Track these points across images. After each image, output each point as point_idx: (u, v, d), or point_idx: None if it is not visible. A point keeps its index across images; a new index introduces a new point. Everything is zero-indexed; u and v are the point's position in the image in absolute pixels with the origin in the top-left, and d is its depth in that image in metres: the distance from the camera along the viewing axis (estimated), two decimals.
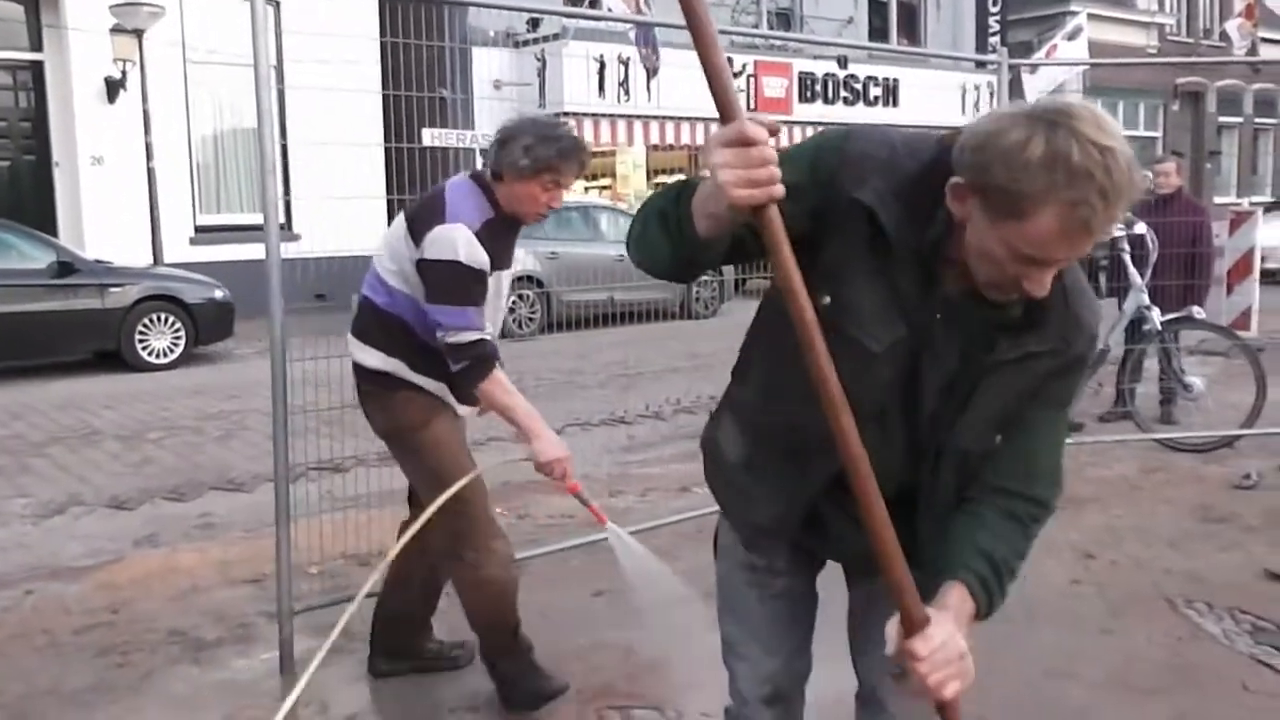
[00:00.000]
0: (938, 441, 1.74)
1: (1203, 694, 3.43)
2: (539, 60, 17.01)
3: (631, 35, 15.34)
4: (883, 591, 1.63)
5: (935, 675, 1.55)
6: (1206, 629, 3.93)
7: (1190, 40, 29.51)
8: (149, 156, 13.77)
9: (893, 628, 1.60)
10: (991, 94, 18.47)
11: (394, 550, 2.77)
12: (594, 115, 16.86)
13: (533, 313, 11.63)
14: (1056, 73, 17.76)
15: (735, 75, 18.73)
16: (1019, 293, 1.58)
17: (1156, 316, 6.61)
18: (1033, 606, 4.14)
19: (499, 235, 3.14)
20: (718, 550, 2.12)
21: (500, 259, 3.16)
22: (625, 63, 16.63)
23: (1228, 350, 6.97)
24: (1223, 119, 31.22)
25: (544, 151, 3.05)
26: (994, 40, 23.36)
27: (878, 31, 22.76)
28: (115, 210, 13.74)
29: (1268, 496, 5.53)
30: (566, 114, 16.77)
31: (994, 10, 24.13)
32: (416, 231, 3.08)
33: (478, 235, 3.04)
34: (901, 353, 1.68)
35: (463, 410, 3.31)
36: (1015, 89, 16.15)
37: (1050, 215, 1.44)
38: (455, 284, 3.02)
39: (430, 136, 4.03)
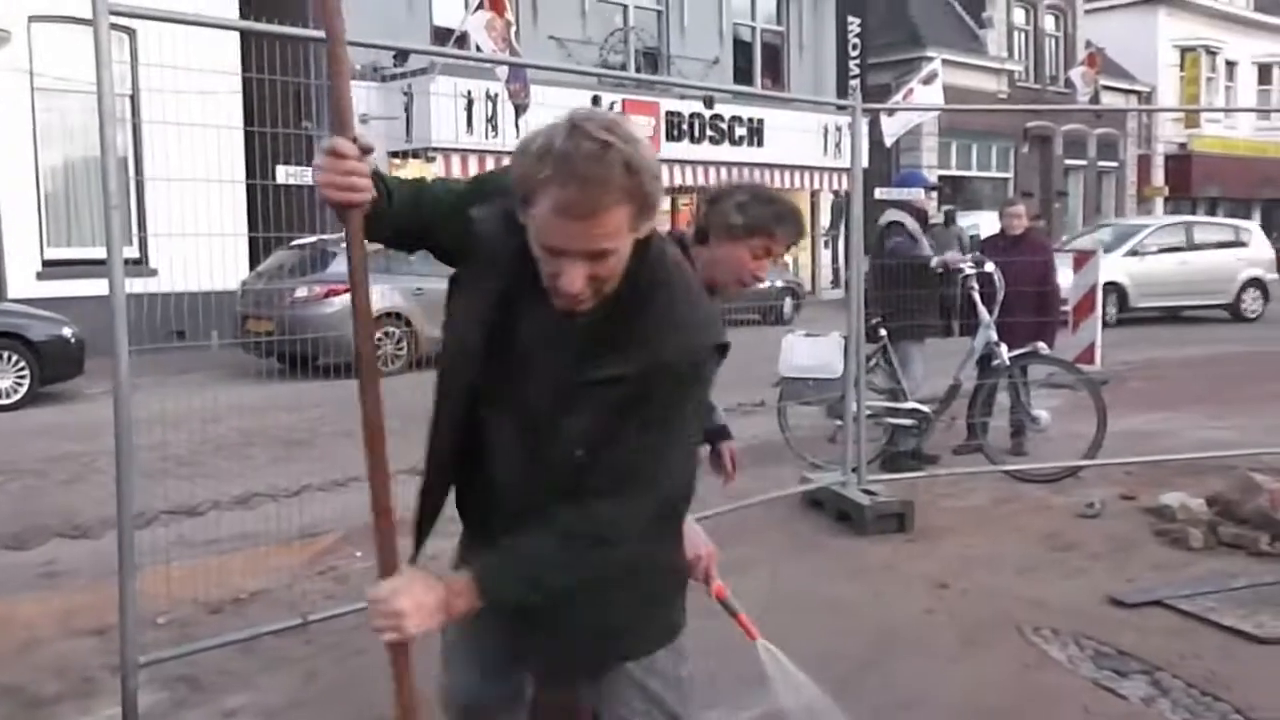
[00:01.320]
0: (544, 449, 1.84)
1: (1047, 719, 3.55)
2: (406, 95, 16.89)
3: (500, 72, 15.35)
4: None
5: (375, 621, 1.75)
6: (1052, 655, 4.07)
7: (1038, 86, 30.90)
8: None
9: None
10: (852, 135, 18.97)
11: None
12: (462, 151, 16.79)
13: (399, 349, 11.48)
14: (913, 115, 18.39)
15: None
16: (559, 294, 1.70)
17: (1005, 352, 6.87)
18: (888, 636, 4.25)
19: None
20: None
21: None
22: (494, 99, 16.60)
23: (1073, 384, 7.27)
24: (1069, 161, 32.75)
25: (760, 212, 2.82)
26: (854, 83, 24.02)
27: (742, 72, 23.25)
28: None
29: (1109, 524, 5.77)
30: (434, 149, 16.70)
31: (854, 55, 24.89)
32: None
33: None
34: (501, 357, 1.84)
35: None
36: (874, 129, 16.67)
37: (544, 200, 1.63)
38: None
39: (285, 174, 3.94)
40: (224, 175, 5.18)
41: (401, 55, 15.84)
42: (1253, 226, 21.50)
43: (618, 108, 19.05)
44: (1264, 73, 40.79)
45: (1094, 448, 6.61)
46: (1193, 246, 18.54)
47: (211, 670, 3.86)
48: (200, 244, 4.13)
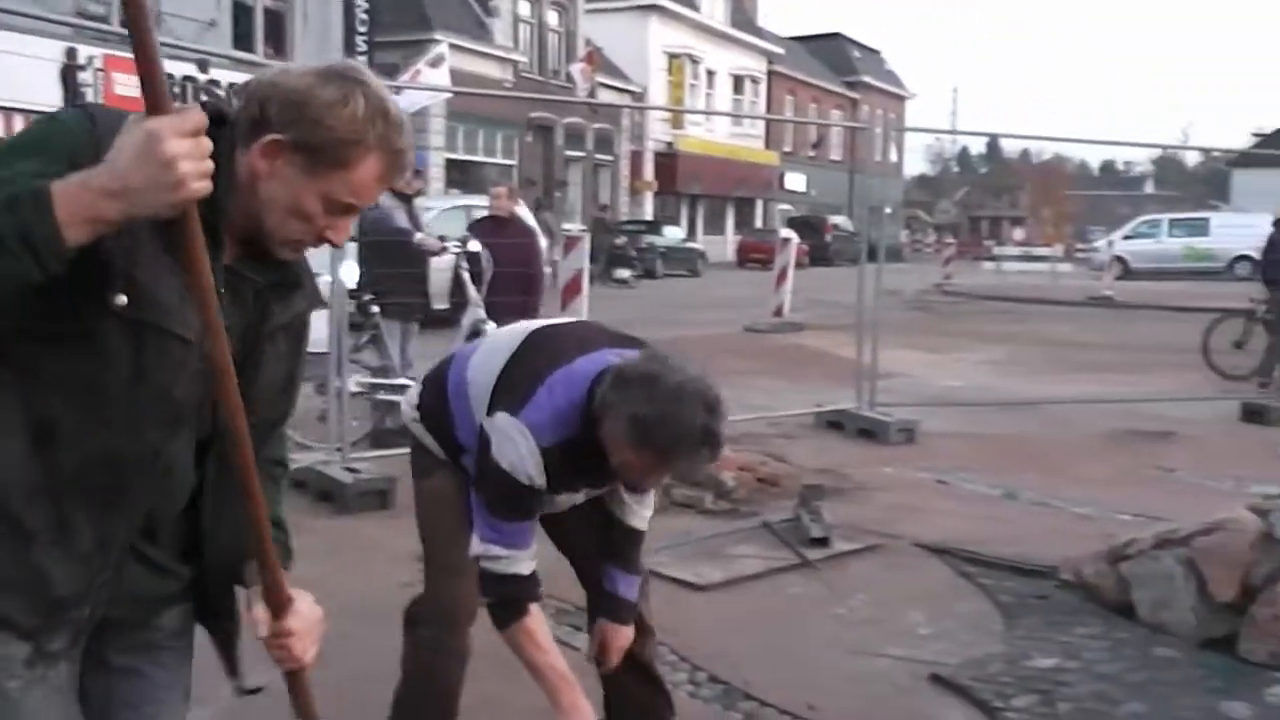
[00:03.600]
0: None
1: (508, 678, 3.72)
2: None
3: None
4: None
5: (305, 645, 1.72)
6: None
7: (542, 78, 32.27)
8: None
9: (260, 612, 1.69)
10: None
11: None
12: None
13: None
14: (420, 96, 18.51)
15: (81, 68, 17.27)
16: (315, 246, 1.68)
17: (492, 329, 7.11)
18: (366, 610, 4.26)
19: (580, 460, 2.43)
20: None
21: (573, 484, 2.55)
22: None
23: None
24: (569, 153, 34.55)
25: (658, 433, 2.23)
26: (362, 59, 23.78)
27: (243, 38, 22.15)
28: None
29: None
30: None
31: (362, 30, 24.57)
32: (499, 390, 2.48)
33: (547, 452, 2.38)
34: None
35: None
36: None
37: (375, 160, 1.60)
38: (502, 491, 2.43)
39: None
40: None
41: None
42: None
43: (98, 63, 17.51)
44: (738, 83, 45.46)
45: None
46: None
47: None
48: None
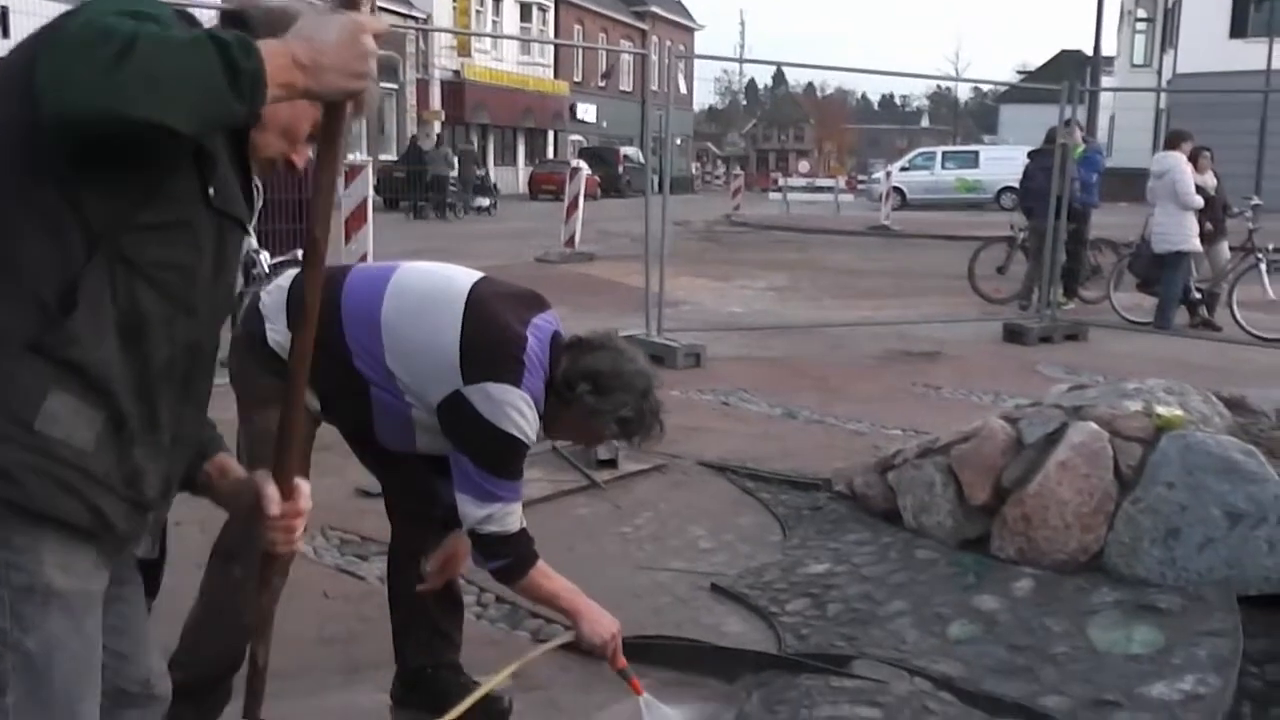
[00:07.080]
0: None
1: (286, 608, 3.64)
2: None
3: None
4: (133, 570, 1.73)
5: (301, 531, 1.86)
6: (300, 549, 4.19)
7: (319, 1, 30.96)
8: None
9: (272, 490, 1.75)
10: None
11: None
12: None
13: None
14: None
15: None
16: (281, 167, 1.75)
17: (265, 259, 6.89)
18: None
19: None
20: (38, 609, 1.47)
21: None
22: None
23: None
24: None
25: (639, 425, 2.76)
26: None
27: None
28: None
29: None
30: None
31: None
32: (472, 364, 2.57)
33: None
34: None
35: None
36: None
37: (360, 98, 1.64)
38: (511, 457, 2.65)
39: None
40: None
41: None
42: None
43: None
44: (525, 10, 44.86)
45: None
46: None
47: None
48: None
